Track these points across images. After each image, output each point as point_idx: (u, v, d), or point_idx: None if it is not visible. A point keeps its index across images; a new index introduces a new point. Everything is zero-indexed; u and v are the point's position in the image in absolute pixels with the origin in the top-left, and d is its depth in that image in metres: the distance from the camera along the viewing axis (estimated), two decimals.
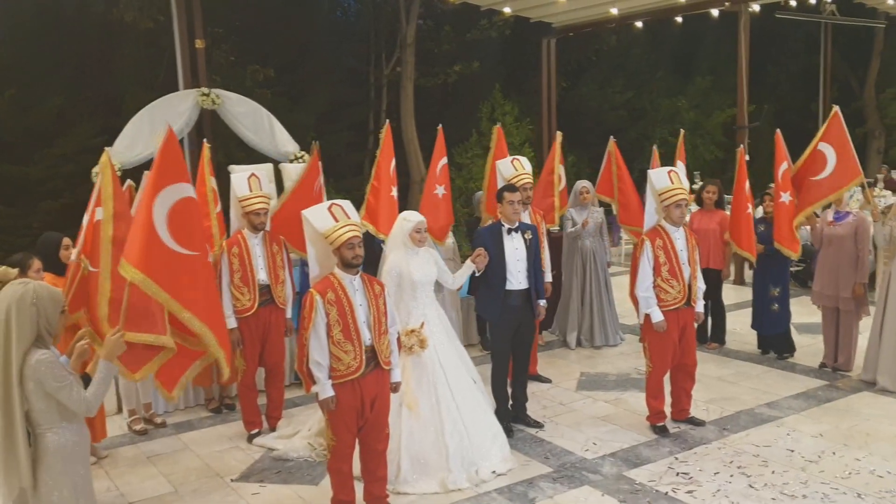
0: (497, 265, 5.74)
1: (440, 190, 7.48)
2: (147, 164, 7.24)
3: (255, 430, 6.13)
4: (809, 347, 8.06)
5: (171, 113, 9.96)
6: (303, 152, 10.83)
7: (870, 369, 7.00)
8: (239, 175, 6.22)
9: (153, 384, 6.28)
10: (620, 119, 19.08)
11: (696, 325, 6.17)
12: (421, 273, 5.32)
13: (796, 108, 21.44)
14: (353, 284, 4.51)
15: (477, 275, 5.71)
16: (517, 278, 5.81)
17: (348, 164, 16.28)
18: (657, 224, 5.99)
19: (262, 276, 6.03)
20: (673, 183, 5.90)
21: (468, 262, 5.68)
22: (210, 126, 10.71)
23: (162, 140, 4.47)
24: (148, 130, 9.83)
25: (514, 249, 5.80)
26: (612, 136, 8.49)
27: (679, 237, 5.93)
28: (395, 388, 4.76)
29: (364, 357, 4.46)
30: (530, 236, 5.88)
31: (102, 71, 14.93)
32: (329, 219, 4.54)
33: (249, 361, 6.06)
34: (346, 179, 12.89)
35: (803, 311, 8.95)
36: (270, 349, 6.13)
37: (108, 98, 14.58)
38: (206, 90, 10.16)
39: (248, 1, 16.15)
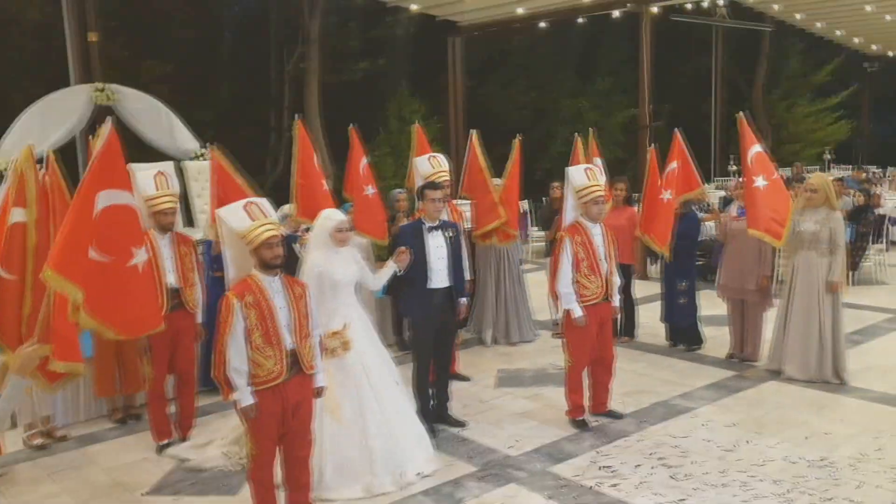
0: (419, 263, 5.65)
1: (369, 190, 7.40)
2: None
3: (166, 441, 5.83)
4: (716, 339, 8.30)
5: (64, 109, 9.52)
6: (203, 150, 10.47)
7: (776, 359, 7.24)
8: (145, 173, 5.91)
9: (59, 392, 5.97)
10: (524, 118, 19.32)
11: (614, 319, 6.28)
12: (343, 273, 5.17)
13: (689, 108, 22.24)
14: (273, 286, 4.33)
15: (399, 274, 5.60)
16: (439, 276, 5.75)
17: (250, 162, 15.87)
18: (576, 220, 6.04)
19: (171, 279, 5.75)
20: (590, 180, 5.97)
21: (390, 261, 5.57)
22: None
23: (103, 140, 4.23)
24: (39, 127, 9.33)
25: (437, 248, 5.74)
26: (518, 135, 8.51)
27: (597, 233, 6.01)
28: (319, 392, 4.60)
29: (286, 362, 4.29)
30: (452, 234, 5.83)
31: None
32: (246, 218, 4.34)
33: (158, 369, 5.77)
34: (251, 178, 12.54)
35: (708, 304, 9.22)
36: (181, 356, 5.85)
37: None
38: (100, 85, 9.73)
39: None
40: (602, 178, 6.11)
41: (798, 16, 18.22)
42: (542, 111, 20.30)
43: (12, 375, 3.12)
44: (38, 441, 5.99)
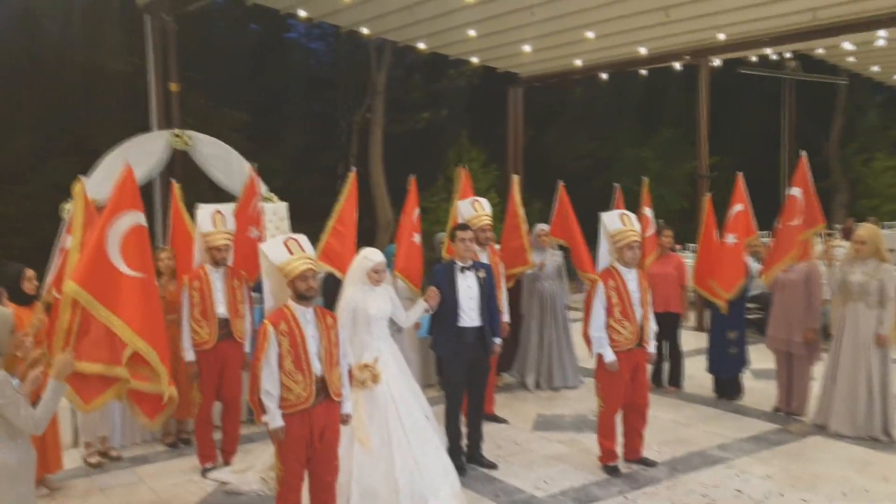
0: (450, 302, 5.87)
1: (416, 238, 7.63)
2: None
3: (210, 465, 6.14)
4: (765, 392, 8.19)
5: (143, 152, 10.09)
6: (271, 193, 10.98)
7: (822, 413, 7.12)
8: (204, 211, 6.33)
9: (117, 414, 6.41)
10: (586, 168, 19.47)
11: (648, 366, 6.29)
12: (376, 309, 5.43)
13: (761, 161, 22.00)
14: (306, 316, 4.61)
15: (429, 313, 5.82)
16: (469, 316, 5.93)
17: (317, 209, 16.47)
18: (610, 265, 6.16)
19: (221, 309, 6.11)
20: (625, 225, 6.08)
21: (420, 300, 5.80)
22: (182, 167, 10.86)
23: (121, 174, 4.66)
24: (119, 169, 9.93)
25: (467, 287, 5.94)
26: (560, 181, 8.64)
27: (632, 278, 6.08)
28: (346, 419, 4.82)
29: (314, 388, 4.54)
30: (484, 275, 6.02)
31: (79, 112, 15.10)
32: (284, 252, 4.66)
33: (206, 395, 6.11)
34: (313, 223, 13.07)
35: (761, 357, 9.10)
36: (227, 383, 6.18)
37: (83, 139, 14.73)
38: (178, 131, 10.31)
39: (224, 48, 16.42)
40: (637, 225, 6.22)
41: (874, 68, 17.92)
42: (604, 161, 20.40)
43: (51, 379, 3.47)
44: (95, 459, 6.40)
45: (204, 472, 6.10)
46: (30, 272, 5.73)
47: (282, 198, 10.91)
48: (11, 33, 14.73)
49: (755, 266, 8.19)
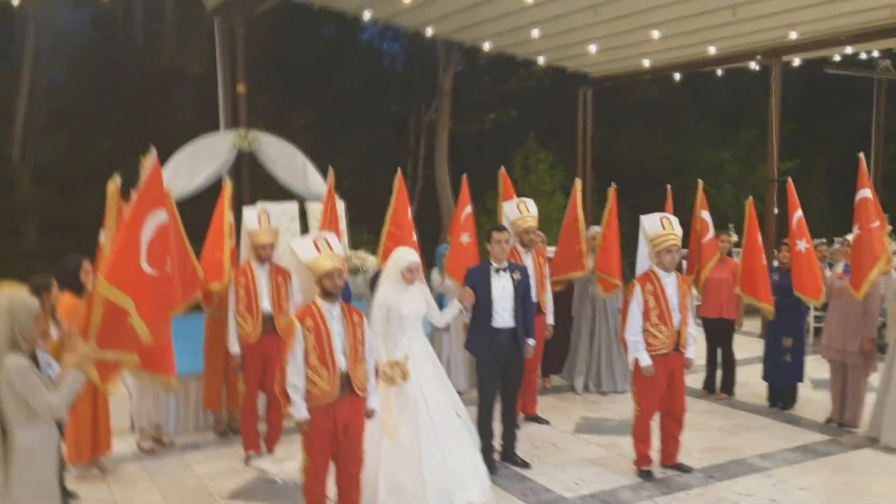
0: (484, 303, 5.94)
1: (465, 238, 7.69)
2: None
3: (253, 452, 6.38)
4: (822, 402, 7.95)
5: (209, 153, 10.48)
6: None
7: (875, 426, 6.91)
8: (251, 210, 6.58)
9: (172, 403, 6.71)
10: (662, 170, 19.05)
11: (686, 371, 6.19)
12: (409, 308, 5.53)
13: (849, 163, 21.03)
14: (332, 313, 4.75)
15: (464, 313, 5.89)
16: (503, 317, 5.97)
17: (383, 208, 16.82)
18: (649, 269, 6.09)
19: (265, 305, 6.34)
20: (664, 229, 6.01)
21: (454, 301, 5.88)
22: (249, 166, 11.24)
23: (150, 166, 4.86)
24: (188, 168, 10.35)
25: (502, 289, 5.98)
26: (613, 183, 8.42)
27: (670, 283, 6.01)
28: (370, 414, 4.95)
29: (338, 383, 4.67)
30: (519, 276, 6.05)
31: (157, 114, 15.76)
32: (313, 250, 4.81)
33: (250, 386, 6.35)
34: (379, 222, 13.40)
35: (820, 366, 8.81)
36: (271, 376, 6.35)
37: (158, 140, 15.41)
38: (243, 132, 10.65)
39: (293, 50, 16.84)
40: (679, 229, 6.13)
41: None
42: (681, 163, 19.89)
43: (71, 370, 3.69)
44: (147, 444, 6.73)
45: (247, 459, 6.34)
46: (87, 264, 6.08)
47: (347, 197, 11.15)
48: (93, 39, 15.44)
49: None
